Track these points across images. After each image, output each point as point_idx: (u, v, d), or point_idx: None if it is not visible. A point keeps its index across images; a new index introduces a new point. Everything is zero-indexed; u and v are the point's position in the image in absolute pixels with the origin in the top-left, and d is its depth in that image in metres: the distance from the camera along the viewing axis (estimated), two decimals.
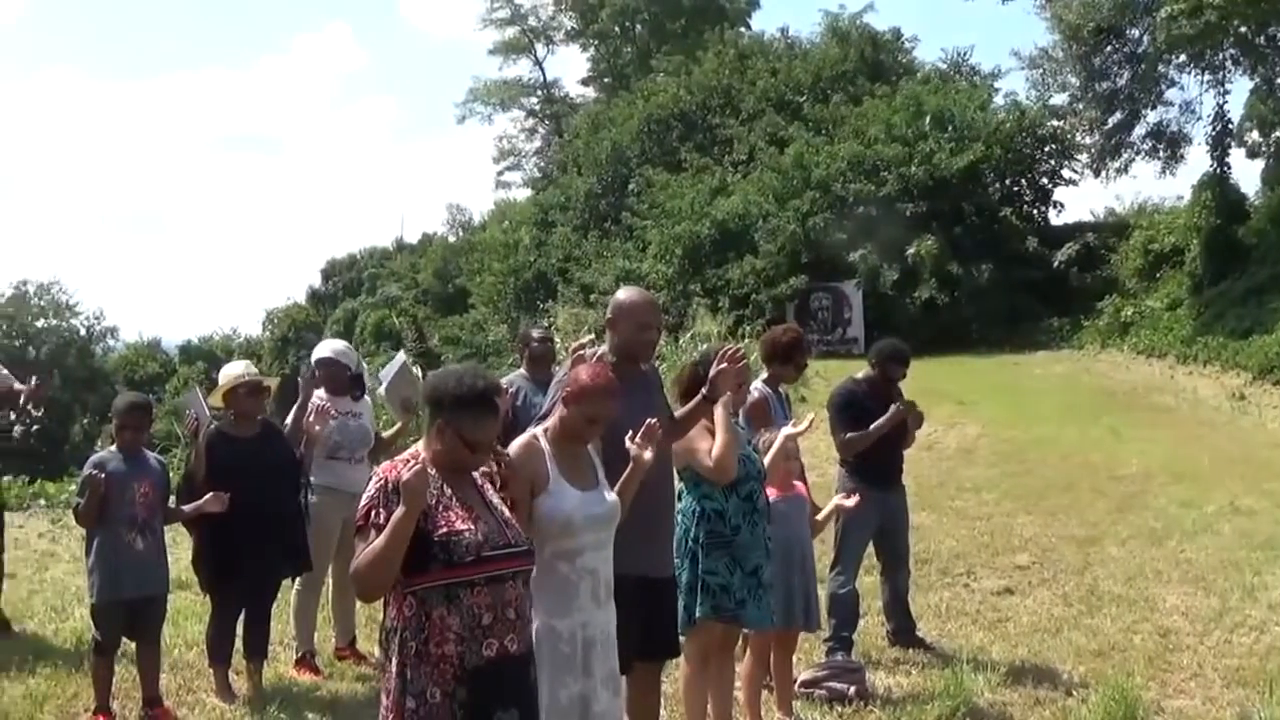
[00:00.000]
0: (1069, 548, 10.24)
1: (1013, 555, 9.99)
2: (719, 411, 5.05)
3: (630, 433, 4.42)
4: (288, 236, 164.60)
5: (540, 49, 59.89)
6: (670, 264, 33.75)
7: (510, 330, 36.64)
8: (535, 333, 7.97)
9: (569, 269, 38.74)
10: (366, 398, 7.53)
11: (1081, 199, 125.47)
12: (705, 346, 7.32)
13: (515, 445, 4.27)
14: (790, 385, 7.02)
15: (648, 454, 4.38)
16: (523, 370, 7.74)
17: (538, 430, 4.34)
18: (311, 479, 7.07)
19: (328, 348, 7.51)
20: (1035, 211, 35.20)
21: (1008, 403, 20.25)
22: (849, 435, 7.18)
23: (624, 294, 5.02)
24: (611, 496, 4.32)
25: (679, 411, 5.14)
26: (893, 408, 7.16)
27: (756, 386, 6.40)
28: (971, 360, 26.53)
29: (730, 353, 5.07)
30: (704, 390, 5.05)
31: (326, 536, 7.07)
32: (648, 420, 4.44)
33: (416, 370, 7.72)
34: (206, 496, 6.17)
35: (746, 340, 21.45)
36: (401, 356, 7.96)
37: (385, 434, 7.56)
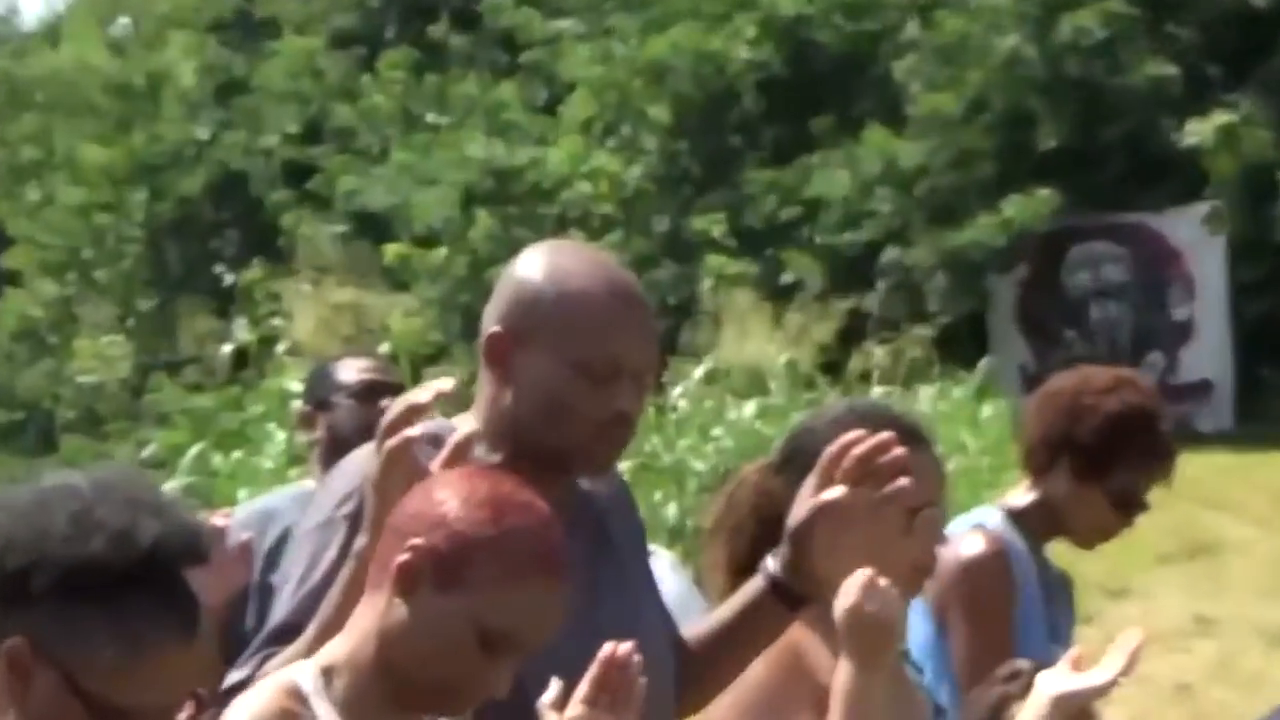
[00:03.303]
0: None
1: None
2: (847, 634, 2.89)
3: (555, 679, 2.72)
4: None
5: None
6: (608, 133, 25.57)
7: (140, 347, 26.57)
8: (356, 365, 5.12)
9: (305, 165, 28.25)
10: None
11: None
12: (801, 416, 4.45)
13: (255, 706, 2.61)
14: (1087, 546, 4.60)
15: None
16: (312, 472, 5.08)
17: (307, 670, 2.61)
18: None
19: None
20: None
21: None
22: None
23: (554, 264, 2.96)
24: None
25: (714, 617, 3.15)
26: None
27: (987, 525, 4.27)
28: None
29: (871, 444, 2.93)
30: (776, 558, 2.99)
31: None
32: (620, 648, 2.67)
33: None
34: None
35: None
36: None
37: None
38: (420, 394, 2.70)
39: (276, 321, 18.82)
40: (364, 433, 4.34)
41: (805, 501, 2.87)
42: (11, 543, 2.09)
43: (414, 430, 2.62)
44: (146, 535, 2.11)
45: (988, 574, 4.05)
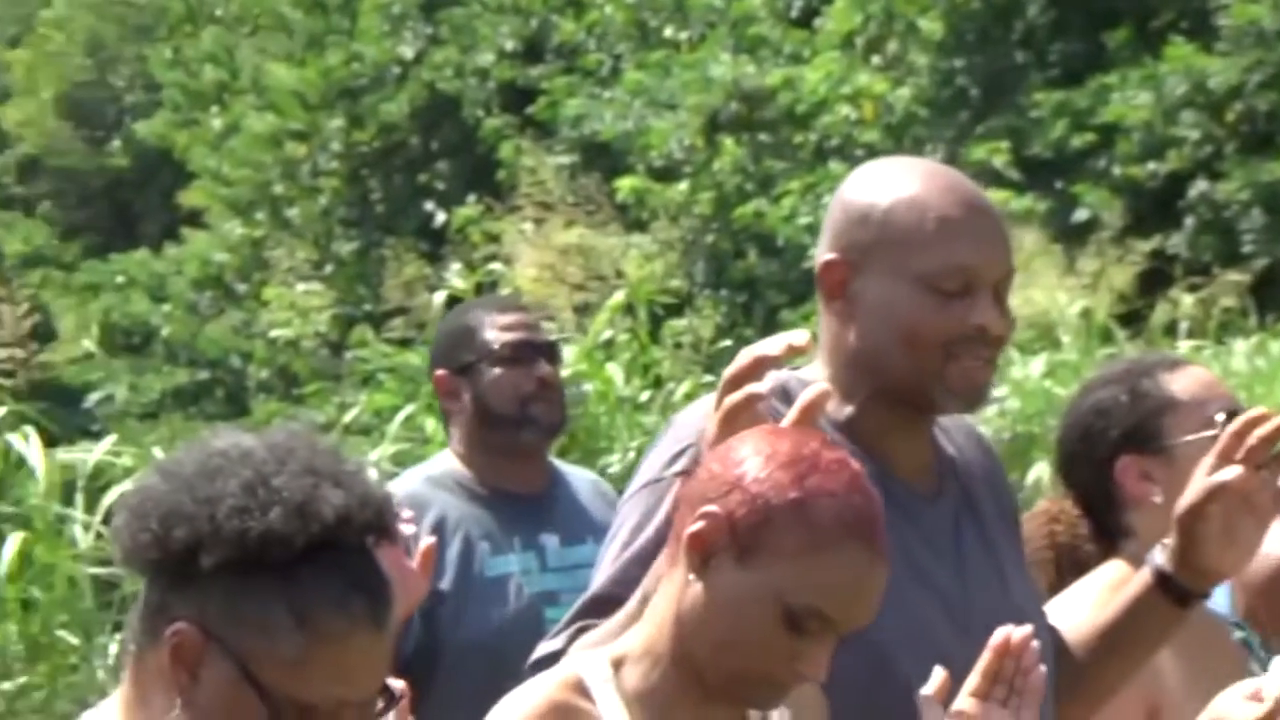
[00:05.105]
0: None
1: None
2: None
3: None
4: None
5: None
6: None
7: (340, 296, 25.01)
8: (499, 322, 4.93)
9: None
10: None
11: None
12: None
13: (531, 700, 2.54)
14: None
15: None
16: (454, 448, 4.92)
17: (597, 660, 2.56)
18: None
19: None
20: None
21: None
22: None
23: (883, 175, 2.97)
24: None
25: (1097, 616, 3.08)
26: None
27: None
28: None
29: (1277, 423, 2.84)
30: (1165, 549, 2.91)
31: None
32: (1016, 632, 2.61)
33: None
34: None
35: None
36: None
37: None
38: (769, 345, 2.61)
39: (495, 266, 19.07)
40: (519, 403, 4.54)
41: (1198, 482, 2.79)
42: (177, 514, 2.03)
43: (760, 385, 2.53)
44: (329, 507, 2.05)
45: None
